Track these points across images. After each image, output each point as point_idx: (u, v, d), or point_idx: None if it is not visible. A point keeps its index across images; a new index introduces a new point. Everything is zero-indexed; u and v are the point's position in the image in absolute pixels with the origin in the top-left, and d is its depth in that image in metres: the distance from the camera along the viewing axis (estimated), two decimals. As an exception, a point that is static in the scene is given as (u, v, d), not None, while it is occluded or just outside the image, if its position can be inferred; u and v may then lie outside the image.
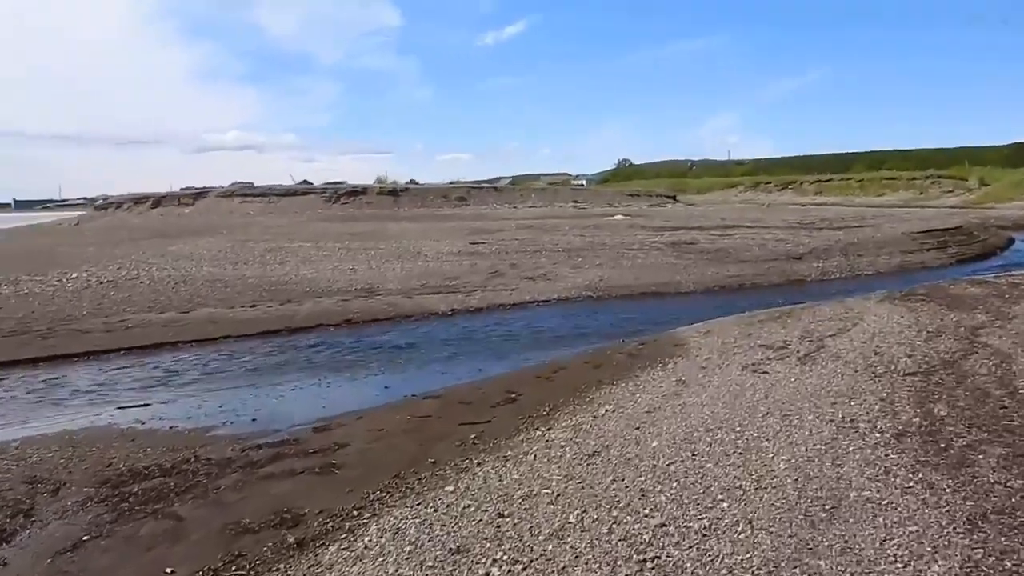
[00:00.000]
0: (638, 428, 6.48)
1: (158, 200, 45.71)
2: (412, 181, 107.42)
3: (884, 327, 9.70)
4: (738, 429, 6.18)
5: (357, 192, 43.14)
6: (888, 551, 4.00)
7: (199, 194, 46.26)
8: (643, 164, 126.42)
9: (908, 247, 21.12)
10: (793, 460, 5.37)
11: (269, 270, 19.71)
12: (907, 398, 6.70)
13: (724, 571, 3.95)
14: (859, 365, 7.89)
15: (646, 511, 4.71)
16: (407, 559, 4.31)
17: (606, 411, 7.21)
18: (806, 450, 5.57)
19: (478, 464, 5.90)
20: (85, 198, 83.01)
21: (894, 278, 18.67)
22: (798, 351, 8.98)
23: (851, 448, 5.53)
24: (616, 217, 27.12)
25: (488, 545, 4.41)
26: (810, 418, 6.32)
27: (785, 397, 7.05)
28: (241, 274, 18.83)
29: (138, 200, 46.18)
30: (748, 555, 4.08)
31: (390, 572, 4.19)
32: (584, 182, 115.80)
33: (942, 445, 5.46)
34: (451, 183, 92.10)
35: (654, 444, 5.97)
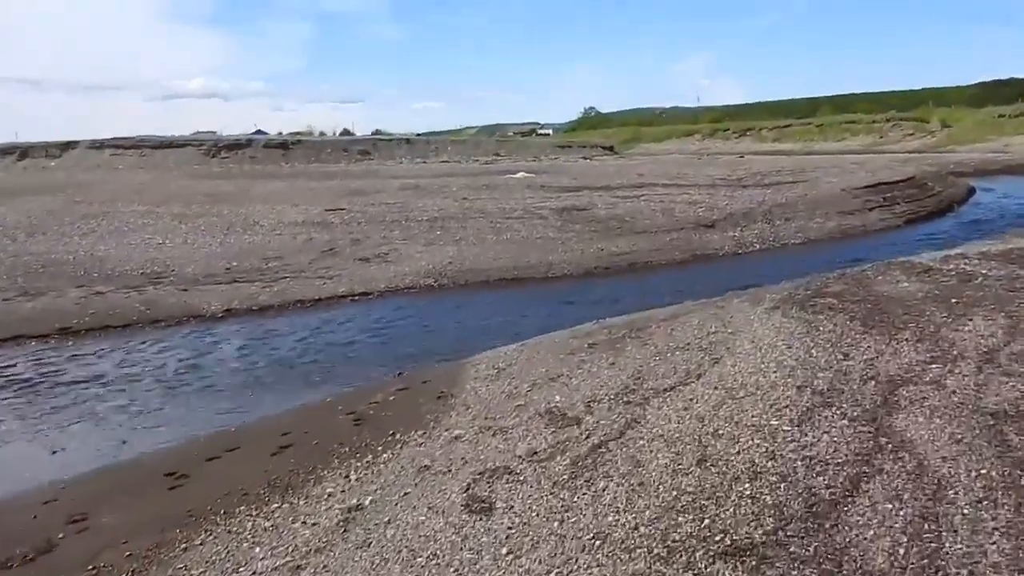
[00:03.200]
0: None
1: (25, 151, 40.96)
2: (378, 131, 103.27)
3: (752, 373, 5.91)
4: None
5: (240, 145, 38.32)
6: None
7: (67, 145, 41.35)
8: (611, 112, 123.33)
9: (848, 206, 17.40)
10: None
11: (57, 244, 15.78)
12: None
13: None
14: (656, 501, 4.09)
15: None
16: None
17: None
18: None
19: None
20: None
21: (825, 249, 15.01)
22: (590, 435, 5.19)
23: None
24: (518, 175, 23.12)
25: None
26: None
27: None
28: (16, 250, 15.00)
29: (6, 151, 41.23)
30: None
31: None
32: (550, 132, 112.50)
33: None
34: (418, 134, 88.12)
35: None
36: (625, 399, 5.84)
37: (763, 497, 3.89)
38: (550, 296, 12.01)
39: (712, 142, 73.06)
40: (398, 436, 5.93)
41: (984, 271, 8.33)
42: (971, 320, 6.51)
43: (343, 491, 5.08)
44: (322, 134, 62.63)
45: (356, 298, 12.18)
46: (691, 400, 5.58)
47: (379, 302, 12.01)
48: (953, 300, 7.25)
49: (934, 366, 5.50)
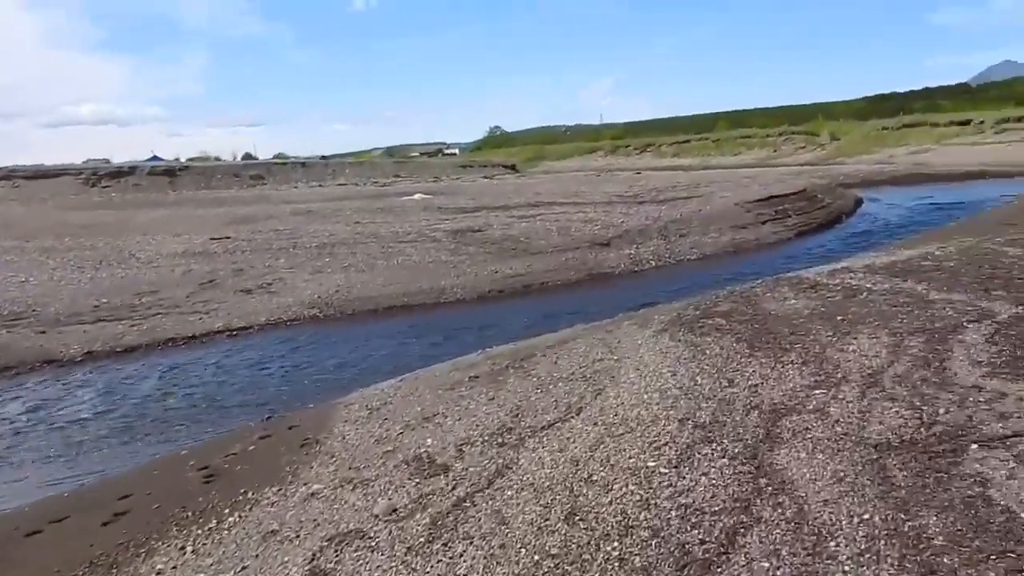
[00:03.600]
0: None
1: None
2: (281, 154, 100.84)
3: (634, 406, 5.54)
4: None
5: (123, 172, 36.24)
6: None
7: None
8: (517, 131, 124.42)
9: (741, 221, 17.54)
10: None
11: None
12: None
13: None
14: (515, 569, 3.62)
15: None
16: None
17: None
18: None
19: None
20: None
21: (720, 264, 15.00)
22: (456, 485, 4.71)
23: None
24: (415, 197, 22.57)
25: None
26: None
27: None
28: None
29: None
30: None
31: None
32: (457, 151, 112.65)
33: None
34: (322, 157, 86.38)
35: None
36: (500, 440, 5.39)
37: (632, 559, 3.47)
38: (440, 323, 11.50)
39: (614, 158, 74.12)
40: (250, 495, 5.30)
41: (868, 285, 8.26)
42: (856, 339, 6.33)
43: (175, 567, 4.43)
44: (217, 159, 60.46)
45: (234, 333, 11.39)
46: (568, 439, 5.16)
47: (259, 337, 11.26)
48: (839, 317, 7.10)
49: (818, 391, 5.24)
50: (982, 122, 48.05)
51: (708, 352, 6.59)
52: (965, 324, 6.23)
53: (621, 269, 14.48)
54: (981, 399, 4.66)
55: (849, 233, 17.93)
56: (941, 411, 4.58)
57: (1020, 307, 6.46)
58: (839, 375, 5.50)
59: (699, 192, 20.48)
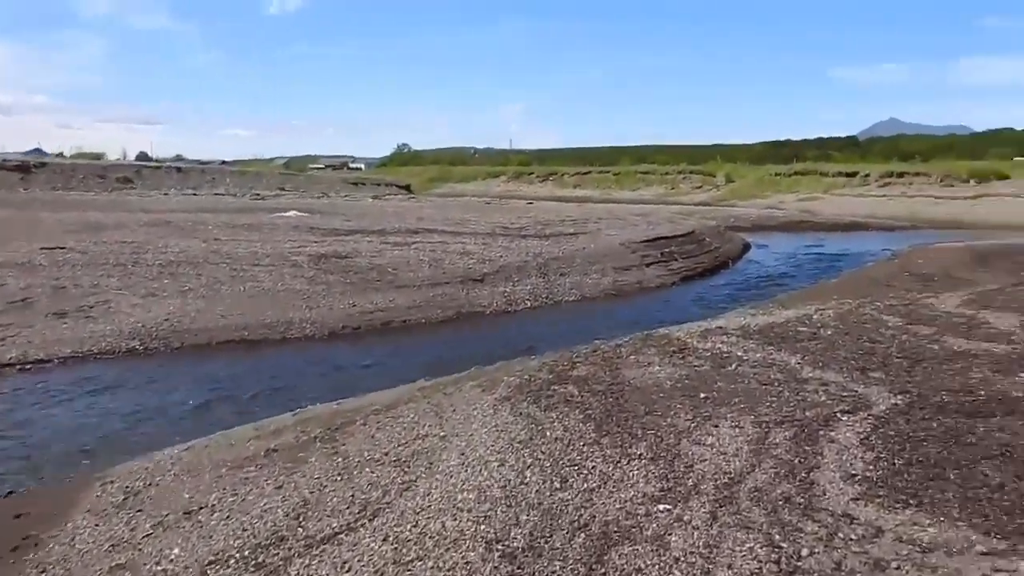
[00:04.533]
0: None
1: None
2: (179, 156, 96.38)
3: (440, 512, 4.41)
4: None
5: (-35, 166, 32.75)
6: None
7: None
8: (426, 150, 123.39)
9: (625, 262, 16.81)
10: None
11: None
12: None
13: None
14: None
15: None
16: None
17: None
18: None
19: None
20: None
21: (598, 308, 14.17)
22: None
23: None
24: (289, 214, 21.02)
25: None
26: None
27: None
28: None
29: None
30: None
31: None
32: (363, 166, 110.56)
33: None
34: (222, 162, 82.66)
35: None
36: (261, 558, 4.15)
37: None
38: (275, 366, 10.13)
39: (517, 184, 73.68)
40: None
41: (740, 353, 7.41)
42: (717, 426, 5.39)
43: None
44: (96, 157, 56.47)
45: (28, 367, 9.71)
46: (345, 564, 3.96)
47: (57, 373, 9.61)
48: (703, 394, 6.17)
49: (662, 507, 4.22)
50: (867, 175, 49.75)
51: (549, 434, 5.53)
52: (839, 416, 5.37)
53: (493, 309, 13.42)
54: (852, 536, 3.73)
55: (733, 281, 17.47)
56: (804, 552, 3.61)
57: (898, 396, 5.67)
58: (691, 481, 4.51)
59: (587, 228, 19.73)
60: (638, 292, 15.57)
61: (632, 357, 7.66)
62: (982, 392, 5.65)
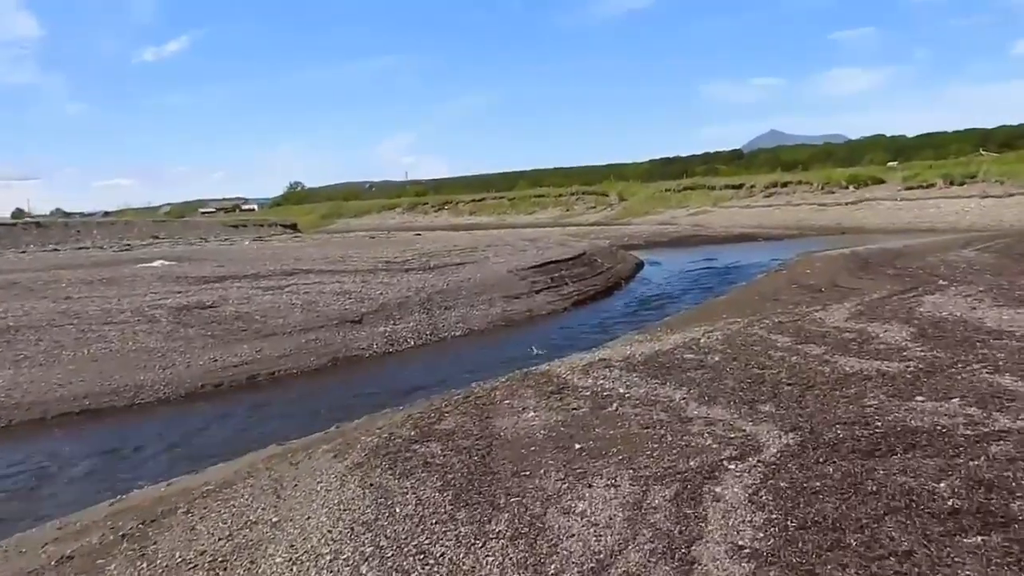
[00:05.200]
0: None
1: None
2: (59, 210, 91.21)
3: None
4: None
5: None
6: None
7: None
8: (319, 187, 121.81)
9: (514, 290, 16.14)
10: None
11: None
12: None
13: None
14: None
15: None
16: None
17: None
18: None
19: None
20: None
21: (486, 341, 13.43)
22: None
23: None
24: (155, 264, 19.50)
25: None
26: None
27: None
28: None
29: None
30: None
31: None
32: (256, 207, 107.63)
33: None
34: (105, 213, 78.59)
35: None
36: None
37: None
38: (115, 439, 8.92)
39: (412, 216, 72.70)
40: None
41: (622, 389, 6.76)
42: (590, 487, 4.67)
43: None
44: (17, 215, 52.53)
45: None
46: None
47: None
48: (578, 446, 5.44)
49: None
50: (753, 186, 51.04)
51: (398, 511, 4.68)
52: (725, 464, 4.72)
53: (373, 351, 12.49)
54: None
55: (625, 302, 17.04)
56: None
57: (790, 434, 5.07)
58: (551, 569, 3.73)
59: (474, 257, 18.99)
60: (528, 321, 14.91)
61: (506, 402, 6.91)
62: (879, 423, 5.11)
